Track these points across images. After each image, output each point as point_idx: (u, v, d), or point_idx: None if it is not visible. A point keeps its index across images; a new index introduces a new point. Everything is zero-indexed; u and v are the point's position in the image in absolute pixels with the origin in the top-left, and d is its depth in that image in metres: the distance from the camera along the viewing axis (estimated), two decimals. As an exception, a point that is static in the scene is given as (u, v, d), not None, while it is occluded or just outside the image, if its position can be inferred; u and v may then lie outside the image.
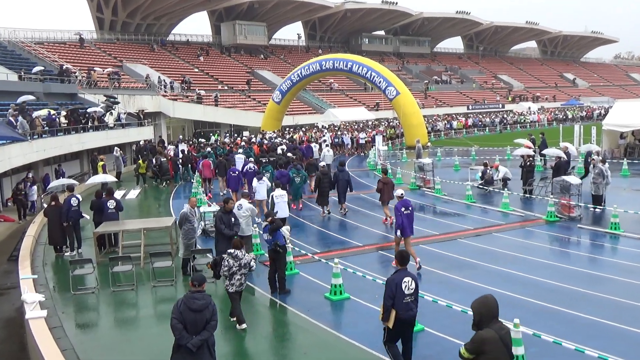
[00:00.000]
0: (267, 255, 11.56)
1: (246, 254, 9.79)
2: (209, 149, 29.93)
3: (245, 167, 21.76)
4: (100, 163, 27.72)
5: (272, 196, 15.48)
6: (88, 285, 12.44)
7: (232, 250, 9.68)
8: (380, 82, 42.22)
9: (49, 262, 14.67)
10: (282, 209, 15.12)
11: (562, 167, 20.42)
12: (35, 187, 23.90)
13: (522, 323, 7.99)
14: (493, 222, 17.58)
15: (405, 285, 7.63)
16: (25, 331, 10.25)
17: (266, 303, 11.16)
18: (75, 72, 42.51)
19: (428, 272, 12.65)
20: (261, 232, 12.11)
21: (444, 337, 9.19)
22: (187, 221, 13.13)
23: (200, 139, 38.41)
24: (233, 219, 12.06)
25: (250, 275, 12.87)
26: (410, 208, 12.88)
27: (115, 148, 30.67)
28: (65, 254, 15.11)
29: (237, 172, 21.29)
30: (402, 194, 13.20)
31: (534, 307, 10.41)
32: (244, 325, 9.73)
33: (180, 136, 42.41)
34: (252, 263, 9.80)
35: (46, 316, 10.00)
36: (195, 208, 13.78)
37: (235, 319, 9.90)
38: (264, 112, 50.64)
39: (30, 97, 28.99)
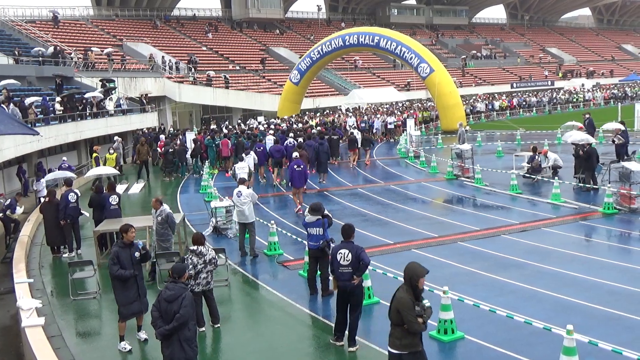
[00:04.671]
0: (309, 254, 11.62)
1: (210, 249, 10.15)
2: (225, 130, 32.25)
3: (285, 142, 25.70)
4: (94, 155, 27.29)
5: (234, 167, 20.38)
6: (89, 290, 12.62)
7: (194, 247, 10.02)
8: (411, 58, 41.96)
9: (46, 265, 14.93)
10: None
11: (593, 154, 20.13)
12: (43, 181, 23.50)
13: (577, 330, 7.92)
14: (542, 216, 17.41)
15: (341, 257, 9.13)
16: (22, 341, 10.44)
17: (287, 308, 11.22)
18: (71, 53, 43.01)
19: (468, 272, 12.59)
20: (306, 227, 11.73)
21: (486, 345, 9.15)
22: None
23: (212, 127, 38.78)
24: (137, 254, 9.74)
25: (268, 278, 12.97)
26: (301, 166, 18.85)
27: (116, 137, 30.99)
28: (64, 255, 15.37)
29: (262, 148, 25.08)
30: (296, 156, 19.65)
31: (590, 311, 10.30)
32: (202, 329, 10.05)
33: (169, 128, 42.39)
34: (219, 257, 10.36)
35: (44, 324, 10.15)
36: (161, 208, 12.84)
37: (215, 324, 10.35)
38: (280, 94, 50.75)
39: (12, 82, 28.75)
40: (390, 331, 7.07)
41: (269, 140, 26.87)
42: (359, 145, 29.33)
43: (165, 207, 12.97)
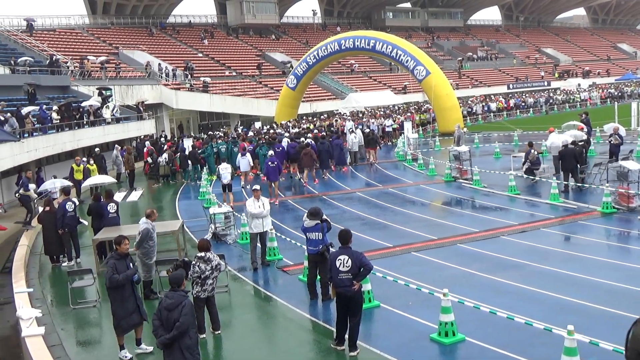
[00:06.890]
0: (309, 259, 11.61)
1: (215, 255, 10.16)
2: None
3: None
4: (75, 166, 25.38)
5: (218, 168, 21.78)
6: (89, 298, 12.61)
7: (202, 254, 9.95)
8: (407, 61, 42.00)
9: (45, 274, 14.91)
10: (226, 178, 20.77)
11: (567, 154, 20.12)
12: (54, 186, 21.65)
13: (578, 330, 7.92)
14: (541, 216, 17.42)
15: (340, 263, 9.05)
16: (22, 350, 10.43)
17: (287, 313, 11.22)
18: (67, 62, 42.99)
19: (468, 274, 12.59)
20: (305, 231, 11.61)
21: (487, 347, 9.14)
22: (150, 239, 12.35)
23: (217, 132, 38.95)
24: (131, 264, 9.75)
25: (268, 284, 12.96)
26: (275, 162, 21.49)
27: (116, 146, 31.03)
28: (63, 264, 15.35)
29: (280, 148, 26.11)
30: (271, 154, 22.63)
31: (591, 311, 10.30)
32: (203, 335, 9.97)
33: (164, 135, 41.81)
34: (222, 262, 10.36)
35: (44, 333, 10.16)
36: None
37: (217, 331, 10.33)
38: (277, 99, 50.78)
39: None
40: None
41: (285, 142, 27.89)
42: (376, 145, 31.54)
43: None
